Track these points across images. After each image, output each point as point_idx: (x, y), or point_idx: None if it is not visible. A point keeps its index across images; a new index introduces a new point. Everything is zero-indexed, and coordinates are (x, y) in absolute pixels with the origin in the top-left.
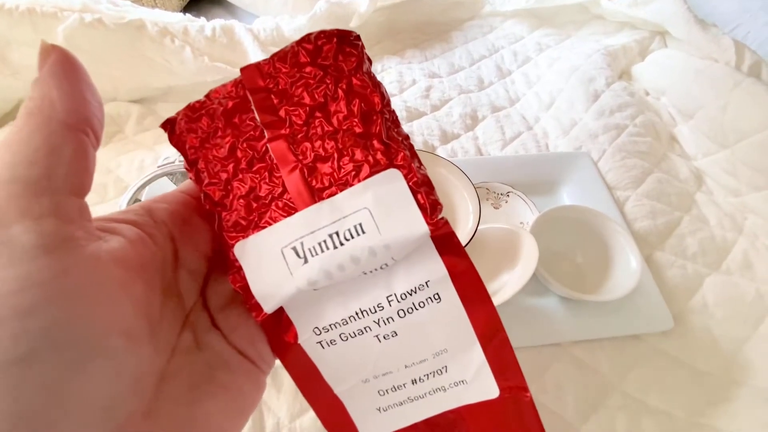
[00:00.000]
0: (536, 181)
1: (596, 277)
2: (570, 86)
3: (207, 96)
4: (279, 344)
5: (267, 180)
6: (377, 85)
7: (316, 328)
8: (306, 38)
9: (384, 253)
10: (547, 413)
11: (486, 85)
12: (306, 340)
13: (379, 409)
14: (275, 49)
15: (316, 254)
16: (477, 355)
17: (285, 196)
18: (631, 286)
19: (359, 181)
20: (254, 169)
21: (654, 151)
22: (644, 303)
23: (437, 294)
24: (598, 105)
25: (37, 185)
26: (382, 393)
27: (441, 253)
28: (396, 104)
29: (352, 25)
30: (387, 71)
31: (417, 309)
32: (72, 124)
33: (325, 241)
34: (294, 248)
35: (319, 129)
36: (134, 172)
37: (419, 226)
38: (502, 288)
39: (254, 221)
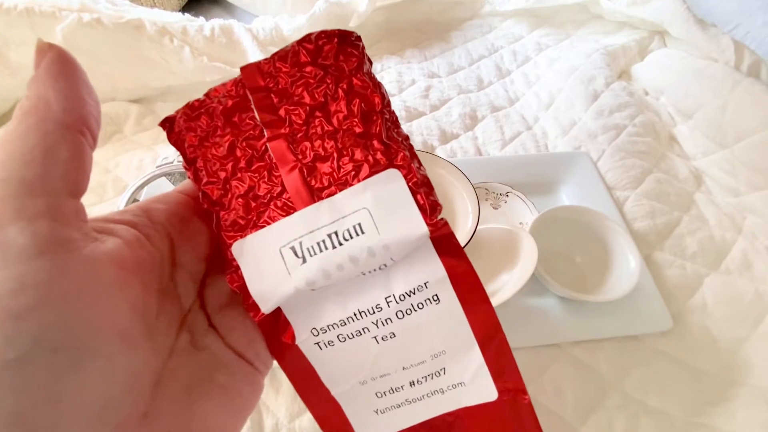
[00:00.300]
0: (535, 181)
1: (595, 277)
2: (569, 86)
3: (206, 95)
4: (276, 345)
5: (266, 179)
6: (378, 86)
7: (314, 329)
8: (307, 38)
9: (383, 253)
10: (547, 413)
11: (485, 85)
12: (303, 341)
13: (377, 411)
14: (274, 49)
15: (315, 254)
16: (475, 357)
17: (284, 196)
18: (630, 286)
19: (359, 180)
20: (253, 168)
21: (653, 151)
22: (643, 303)
23: (436, 295)
24: (598, 105)
25: (33, 186)
26: (379, 395)
27: (440, 254)
28: (395, 104)
29: (351, 25)
30: (386, 71)
31: (415, 310)
32: (68, 123)
33: (323, 241)
34: (292, 248)
35: (318, 128)
36: (133, 171)
37: (418, 226)
38: (502, 288)
39: (253, 220)
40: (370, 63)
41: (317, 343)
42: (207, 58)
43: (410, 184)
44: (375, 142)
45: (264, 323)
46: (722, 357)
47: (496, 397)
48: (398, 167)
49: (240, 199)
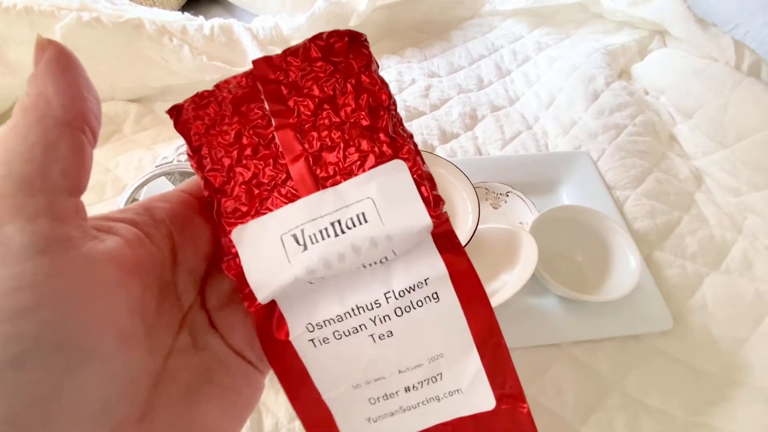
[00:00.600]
0: (536, 180)
1: (596, 277)
2: (569, 85)
3: (216, 86)
4: (269, 342)
5: (271, 167)
6: (385, 84)
7: (310, 324)
8: (318, 36)
9: (385, 244)
10: (547, 413)
11: (485, 85)
12: (298, 336)
13: (369, 420)
14: (274, 48)
15: (317, 242)
16: (474, 362)
17: (288, 183)
18: (630, 286)
19: (364, 170)
20: (259, 155)
21: (653, 150)
22: (644, 303)
23: (436, 293)
24: (598, 104)
25: (32, 183)
26: (373, 401)
27: (441, 251)
28: None
29: (351, 24)
30: (386, 70)
31: (415, 308)
32: (68, 121)
33: (326, 229)
34: (294, 235)
35: (326, 120)
36: (132, 171)
37: (422, 217)
38: (502, 288)
39: (255, 207)
40: (377, 65)
41: (312, 340)
42: (206, 57)
43: (415, 176)
44: (381, 135)
45: (259, 316)
46: (722, 357)
47: (494, 407)
48: (403, 159)
49: (243, 186)
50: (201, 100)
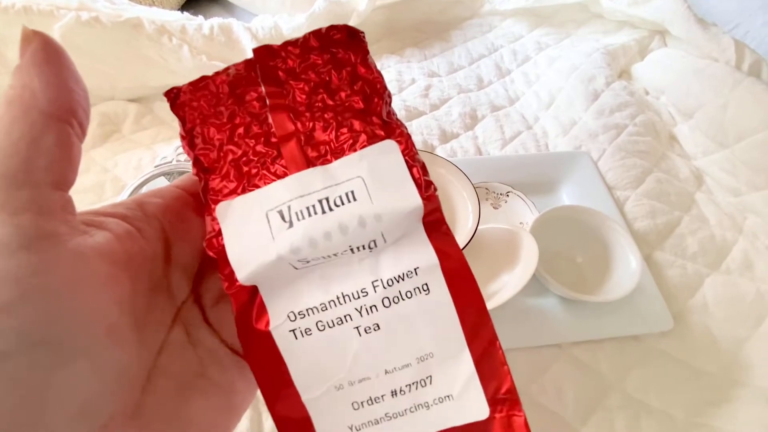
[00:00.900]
0: (536, 180)
1: (596, 277)
2: (569, 85)
3: (216, 72)
4: (247, 332)
5: (262, 145)
6: (381, 76)
7: (291, 312)
8: (317, 30)
9: (374, 225)
10: (547, 414)
11: (485, 85)
12: (278, 326)
13: (351, 428)
14: None
15: (303, 218)
16: (466, 364)
17: (279, 161)
18: (631, 286)
19: (355, 150)
20: (251, 134)
21: (654, 150)
22: (644, 303)
23: (426, 284)
24: (598, 104)
25: (16, 178)
26: (356, 406)
27: (431, 239)
28: (395, 103)
29: (350, 24)
30: (386, 70)
31: (403, 299)
32: (54, 113)
33: (313, 206)
34: (280, 211)
35: (320, 103)
36: (131, 171)
37: (413, 199)
38: (502, 288)
39: (243, 184)
40: (373, 61)
41: (293, 330)
42: (206, 56)
43: (407, 157)
44: (374, 118)
45: (238, 301)
46: (723, 357)
47: (488, 415)
48: (396, 140)
49: (232, 164)
50: (199, 83)
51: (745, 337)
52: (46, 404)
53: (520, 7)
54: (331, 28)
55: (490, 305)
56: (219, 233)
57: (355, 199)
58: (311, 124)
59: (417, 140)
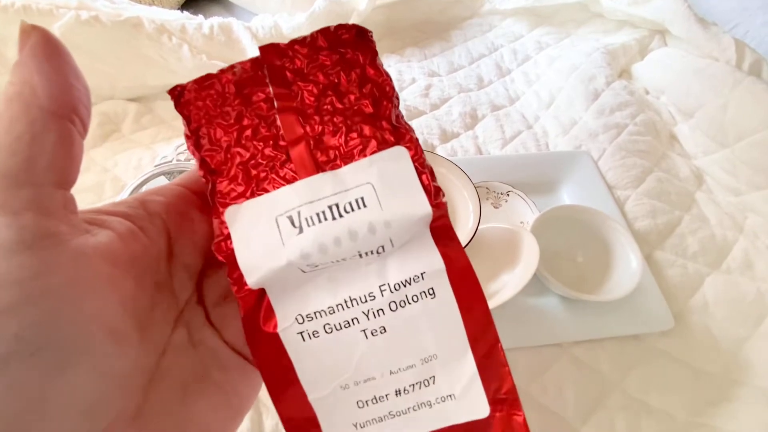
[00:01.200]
0: (536, 180)
1: (597, 276)
2: (570, 85)
3: (221, 70)
4: (255, 334)
5: (271, 148)
6: (389, 78)
7: (300, 315)
8: (326, 28)
9: (383, 231)
10: (548, 413)
11: (485, 84)
12: (286, 328)
13: (356, 425)
14: None
15: (313, 224)
16: (469, 365)
17: (288, 165)
18: (631, 286)
19: (365, 156)
20: (259, 137)
21: (654, 150)
22: (645, 302)
23: (432, 289)
24: (598, 104)
25: (17, 177)
26: (361, 404)
27: (438, 245)
28: None
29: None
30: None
31: (410, 303)
32: (55, 110)
33: (323, 212)
34: (290, 217)
35: (329, 106)
36: (131, 171)
37: (422, 205)
38: (503, 288)
39: (251, 188)
40: (381, 62)
41: (301, 333)
42: (206, 56)
43: (416, 163)
44: (384, 123)
45: (246, 305)
46: (723, 357)
47: (488, 414)
48: (406, 146)
49: (240, 167)
50: (204, 80)
51: (746, 337)
52: (48, 408)
53: (520, 7)
54: (340, 27)
55: (490, 305)
56: (228, 237)
57: (365, 206)
58: (320, 128)
59: None
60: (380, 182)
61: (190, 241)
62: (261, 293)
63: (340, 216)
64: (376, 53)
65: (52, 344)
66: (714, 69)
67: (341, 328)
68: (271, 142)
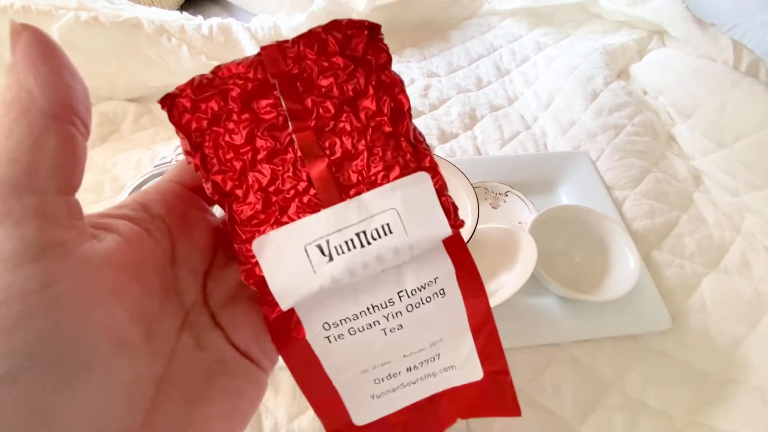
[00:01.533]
0: (535, 180)
1: (594, 276)
2: (568, 85)
3: (214, 73)
4: (284, 341)
5: (291, 173)
6: (403, 84)
7: (326, 323)
8: (335, 25)
9: (407, 252)
10: (546, 413)
11: (484, 85)
12: (314, 335)
13: (373, 397)
14: None
15: (342, 253)
16: (467, 343)
17: (310, 192)
18: (629, 286)
19: (388, 181)
20: (276, 160)
21: (652, 150)
22: (642, 302)
23: (443, 289)
24: (597, 104)
25: (19, 184)
26: (377, 381)
27: (449, 252)
28: None
29: None
30: None
31: (424, 303)
32: (55, 113)
33: (351, 240)
34: (319, 246)
35: (347, 124)
36: (131, 171)
37: (443, 228)
38: (501, 288)
39: (275, 216)
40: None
41: (327, 337)
42: (205, 56)
43: (437, 186)
44: (404, 143)
45: (276, 321)
46: (721, 356)
47: (482, 377)
48: (426, 170)
49: (259, 193)
50: (200, 90)
51: (743, 337)
52: (57, 422)
53: (519, 7)
54: (350, 25)
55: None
56: (255, 264)
57: (391, 232)
58: (341, 151)
59: None
60: (404, 208)
61: (192, 240)
62: (290, 311)
63: (368, 243)
64: (389, 57)
65: (59, 358)
66: (712, 69)
67: (363, 330)
68: (290, 167)
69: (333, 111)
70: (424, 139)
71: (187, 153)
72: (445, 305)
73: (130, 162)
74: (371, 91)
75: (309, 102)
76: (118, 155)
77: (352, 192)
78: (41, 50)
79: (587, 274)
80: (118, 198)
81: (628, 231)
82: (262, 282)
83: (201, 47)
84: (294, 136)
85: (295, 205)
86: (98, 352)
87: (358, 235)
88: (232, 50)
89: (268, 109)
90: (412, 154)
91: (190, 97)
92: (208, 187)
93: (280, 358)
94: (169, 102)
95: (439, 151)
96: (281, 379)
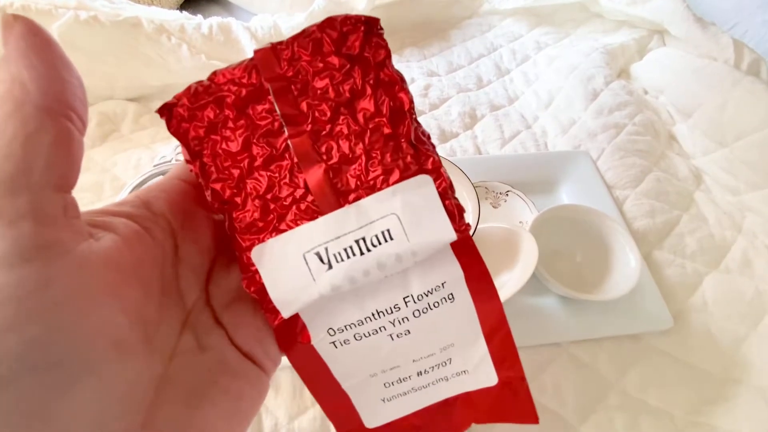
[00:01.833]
0: (535, 180)
1: (595, 276)
2: (569, 85)
3: (211, 80)
4: (290, 345)
5: (287, 180)
6: (403, 81)
7: (331, 329)
8: (330, 23)
9: (410, 258)
10: (547, 413)
11: (485, 84)
12: (319, 341)
13: (384, 400)
14: None
15: (342, 260)
16: (480, 347)
17: (308, 199)
18: (630, 285)
19: (388, 185)
20: (272, 167)
21: (653, 149)
22: (643, 302)
23: (452, 294)
24: (597, 104)
25: (13, 182)
26: (387, 385)
27: (457, 256)
28: None
29: None
30: None
31: (431, 309)
32: (49, 107)
33: (351, 247)
34: (317, 253)
35: (344, 127)
36: (130, 170)
37: (447, 232)
38: (502, 287)
39: (273, 224)
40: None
41: (333, 342)
42: (205, 56)
43: (440, 189)
44: (404, 145)
45: (280, 327)
46: (722, 356)
47: (497, 382)
48: (428, 172)
49: (257, 200)
50: (197, 99)
51: (744, 336)
52: (55, 426)
53: (520, 7)
54: (345, 21)
55: None
56: (256, 272)
57: (391, 239)
58: (338, 156)
59: None
60: (405, 212)
61: (195, 239)
62: (294, 316)
63: (368, 250)
64: (388, 51)
65: (56, 361)
66: (713, 69)
67: (369, 335)
68: (286, 173)
69: (329, 114)
70: (429, 138)
71: (187, 161)
72: (455, 310)
73: (130, 161)
74: (369, 90)
75: (304, 106)
76: (117, 155)
77: (350, 197)
78: (35, 42)
79: (588, 274)
80: (117, 198)
81: (629, 230)
82: (262, 290)
83: (201, 46)
84: (290, 142)
85: (292, 213)
86: (95, 356)
87: (357, 242)
88: (232, 49)
89: (264, 114)
90: (413, 156)
91: (186, 105)
92: (208, 195)
93: (282, 359)
94: (167, 112)
95: (440, 150)
96: (281, 379)
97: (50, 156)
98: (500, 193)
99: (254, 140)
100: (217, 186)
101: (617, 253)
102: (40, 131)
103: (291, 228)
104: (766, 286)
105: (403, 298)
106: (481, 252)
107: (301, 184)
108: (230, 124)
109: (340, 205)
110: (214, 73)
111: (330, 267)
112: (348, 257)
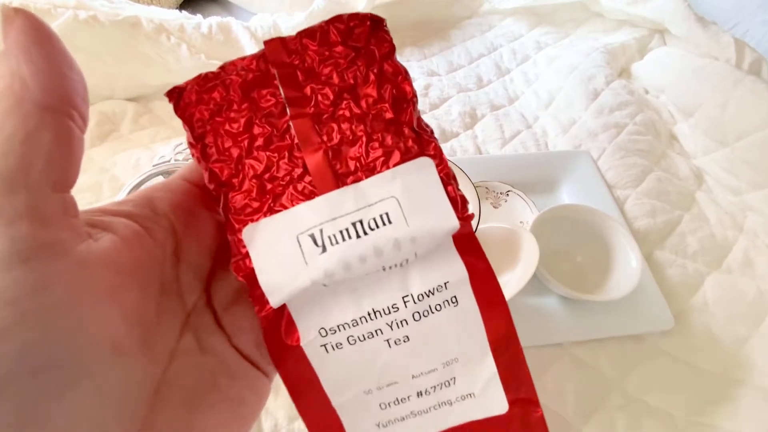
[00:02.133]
0: (536, 180)
1: (596, 276)
2: (569, 85)
3: (222, 68)
4: (277, 347)
5: (286, 160)
6: (408, 75)
7: (323, 328)
8: (338, 18)
9: (409, 246)
10: (548, 413)
11: (485, 84)
12: (310, 342)
13: (378, 425)
14: None
15: (336, 243)
16: (488, 365)
17: (305, 179)
18: (631, 286)
19: (388, 167)
20: (272, 147)
21: (654, 149)
22: (645, 302)
23: (455, 297)
24: (598, 103)
25: (11, 181)
26: (383, 406)
27: (461, 253)
28: None
29: None
30: None
31: (433, 312)
32: (49, 104)
33: (347, 230)
34: (312, 235)
35: (346, 111)
36: (130, 170)
37: (449, 219)
38: (502, 288)
39: (268, 204)
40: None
41: (324, 345)
42: (204, 55)
43: (442, 174)
44: (406, 129)
45: (267, 321)
46: (724, 356)
47: (507, 410)
48: (430, 156)
49: (254, 180)
50: (206, 82)
51: (746, 336)
52: (52, 429)
53: (520, 6)
54: (353, 17)
55: None
56: (246, 255)
57: (390, 222)
58: (338, 137)
59: None
60: (405, 196)
61: (198, 240)
62: (282, 308)
63: (365, 234)
64: (392, 46)
65: (54, 364)
66: (714, 68)
67: (364, 339)
68: (285, 153)
69: (332, 98)
70: (432, 131)
71: (190, 145)
72: (459, 317)
73: (129, 161)
74: (372, 78)
75: (308, 90)
76: (117, 155)
77: (349, 179)
78: (35, 36)
79: (589, 274)
80: (117, 197)
81: (630, 230)
82: (251, 275)
83: (200, 46)
84: (291, 123)
85: (289, 193)
86: (93, 358)
87: (354, 224)
88: (232, 49)
89: (268, 97)
90: (414, 140)
91: (195, 89)
92: (206, 176)
93: None
94: (176, 95)
95: None
96: (281, 380)
97: (50, 154)
98: (501, 193)
99: (256, 121)
100: (216, 167)
101: (618, 253)
102: (40, 129)
103: (286, 208)
104: None
105: (402, 298)
106: None
107: (300, 165)
108: (235, 107)
109: (338, 187)
110: (225, 63)
111: (324, 250)
112: (344, 240)
